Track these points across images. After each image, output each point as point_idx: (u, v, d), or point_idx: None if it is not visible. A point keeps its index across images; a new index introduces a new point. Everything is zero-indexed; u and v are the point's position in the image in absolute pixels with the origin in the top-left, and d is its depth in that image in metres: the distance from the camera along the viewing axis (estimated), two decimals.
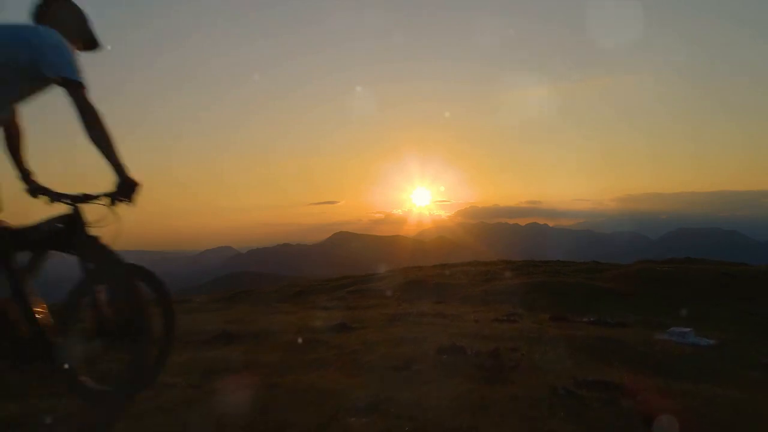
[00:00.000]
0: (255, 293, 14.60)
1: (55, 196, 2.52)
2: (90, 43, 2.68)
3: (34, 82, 2.36)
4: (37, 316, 2.42)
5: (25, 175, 2.64)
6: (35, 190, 2.59)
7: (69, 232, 2.45)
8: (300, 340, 4.51)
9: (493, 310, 8.92)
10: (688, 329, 6.18)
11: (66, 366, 2.44)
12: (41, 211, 2.46)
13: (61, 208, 2.48)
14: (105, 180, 2.34)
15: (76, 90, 2.27)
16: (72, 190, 2.48)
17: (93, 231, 2.47)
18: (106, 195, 2.40)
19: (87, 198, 2.46)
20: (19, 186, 2.60)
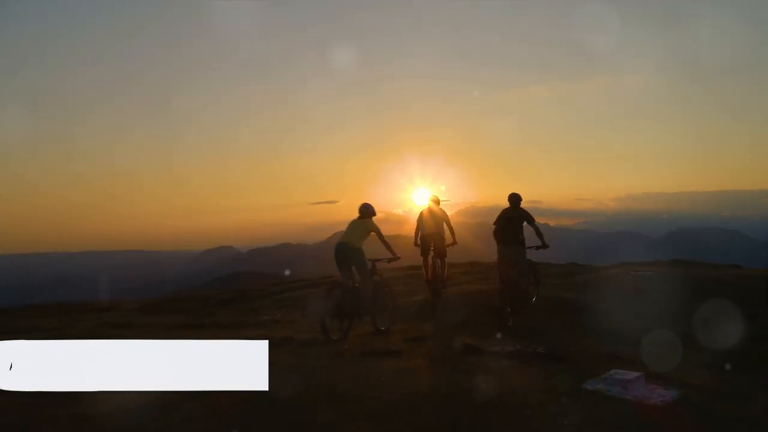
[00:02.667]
0: (194, 300, 13.79)
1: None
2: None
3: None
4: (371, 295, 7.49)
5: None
6: None
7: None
8: None
9: (403, 330, 7.54)
10: (635, 374, 4.10)
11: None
12: None
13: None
14: None
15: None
16: None
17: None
18: (387, 259, 7.82)
19: (378, 260, 7.75)
20: None
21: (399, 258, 7.88)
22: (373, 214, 7.67)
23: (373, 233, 7.53)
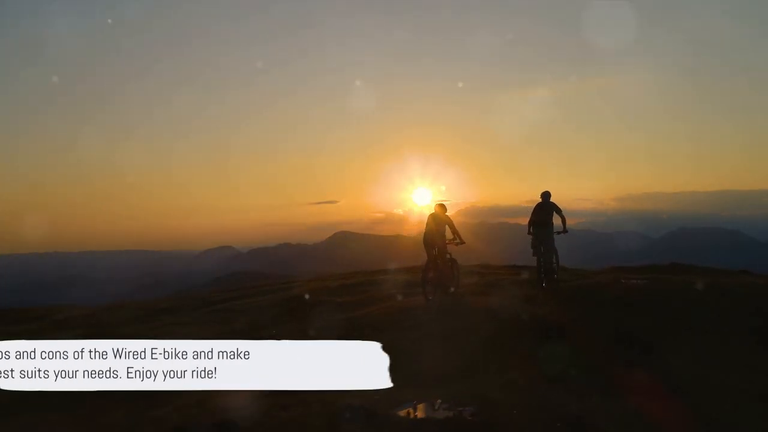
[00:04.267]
0: (129, 309, 12.14)
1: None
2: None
3: None
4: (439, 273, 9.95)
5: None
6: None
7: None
8: None
9: None
10: None
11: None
12: None
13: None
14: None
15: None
16: None
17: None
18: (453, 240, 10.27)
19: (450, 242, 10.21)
20: None
21: (464, 243, 10.32)
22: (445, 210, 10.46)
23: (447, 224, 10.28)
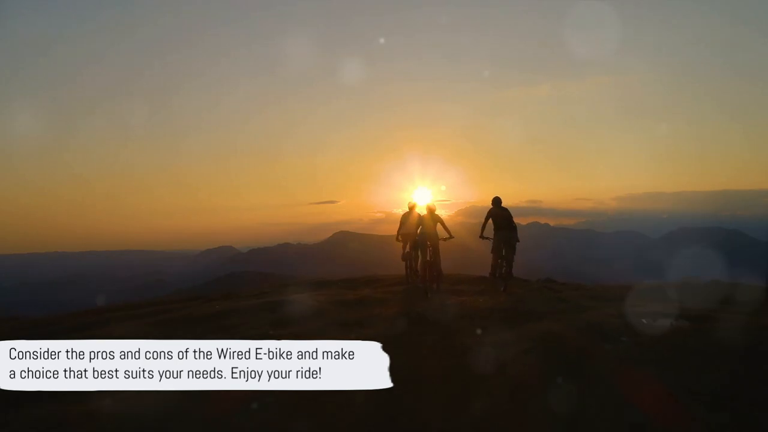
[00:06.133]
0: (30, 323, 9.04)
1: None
2: None
3: None
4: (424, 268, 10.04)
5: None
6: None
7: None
8: None
9: None
10: None
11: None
12: None
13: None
14: None
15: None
16: None
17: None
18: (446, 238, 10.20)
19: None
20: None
21: (453, 237, 10.61)
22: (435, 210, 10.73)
23: (438, 222, 10.54)
